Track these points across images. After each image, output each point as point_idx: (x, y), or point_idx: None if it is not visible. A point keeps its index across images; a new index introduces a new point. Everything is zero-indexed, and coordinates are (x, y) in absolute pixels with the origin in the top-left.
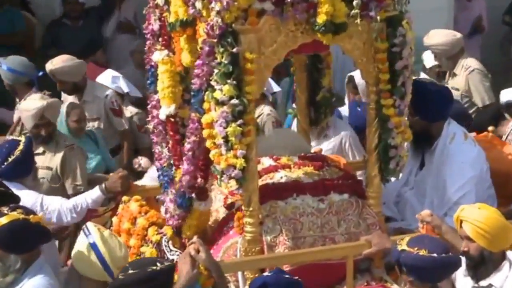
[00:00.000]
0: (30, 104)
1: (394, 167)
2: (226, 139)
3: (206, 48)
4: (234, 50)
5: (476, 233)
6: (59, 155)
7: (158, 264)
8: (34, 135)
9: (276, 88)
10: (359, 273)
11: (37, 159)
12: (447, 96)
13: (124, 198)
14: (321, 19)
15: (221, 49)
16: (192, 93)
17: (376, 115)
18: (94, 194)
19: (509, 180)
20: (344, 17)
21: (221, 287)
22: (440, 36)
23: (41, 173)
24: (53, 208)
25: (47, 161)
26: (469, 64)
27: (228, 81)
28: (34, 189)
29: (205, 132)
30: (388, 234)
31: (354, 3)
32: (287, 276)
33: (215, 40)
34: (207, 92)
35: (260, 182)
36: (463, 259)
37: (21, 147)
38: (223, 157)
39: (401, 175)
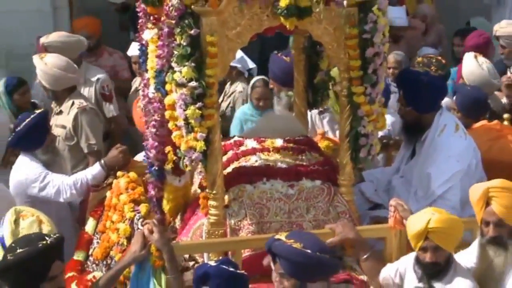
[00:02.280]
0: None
1: (364, 155)
2: (186, 121)
3: (166, 29)
4: (192, 32)
5: (446, 241)
6: (72, 114)
7: (47, 238)
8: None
9: (251, 64)
10: None
11: (56, 118)
12: (440, 87)
13: (118, 173)
14: (283, 2)
15: (179, 31)
16: (154, 73)
17: (348, 102)
18: (94, 170)
19: None
20: (309, 0)
21: (171, 268)
22: None
23: (57, 131)
24: (54, 183)
25: (63, 120)
26: None
27: (187, 63)
28: (48, 163)
29: (167, 114)
30: (360, 223)
31: None
32: (231, 269)
33: (173, 22)
34: (168, 74)
35: (236, 164)
36: (411, 268)
37: (27, 121)
38: (183, 139)
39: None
